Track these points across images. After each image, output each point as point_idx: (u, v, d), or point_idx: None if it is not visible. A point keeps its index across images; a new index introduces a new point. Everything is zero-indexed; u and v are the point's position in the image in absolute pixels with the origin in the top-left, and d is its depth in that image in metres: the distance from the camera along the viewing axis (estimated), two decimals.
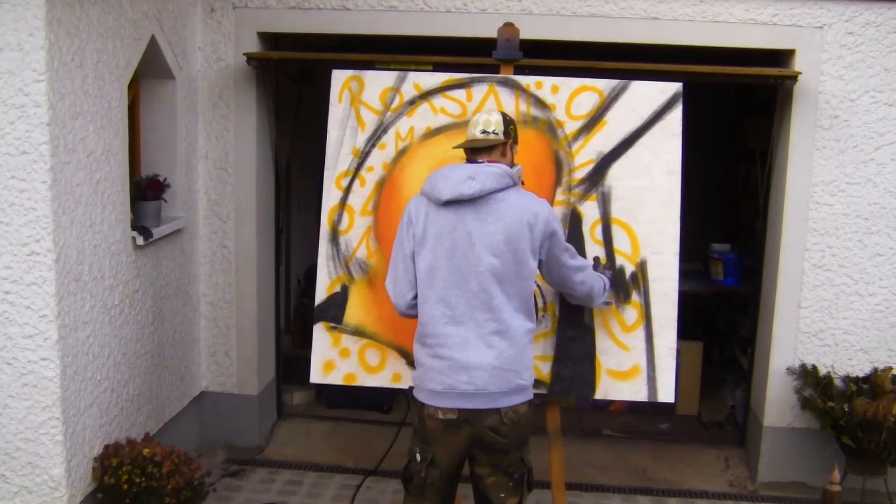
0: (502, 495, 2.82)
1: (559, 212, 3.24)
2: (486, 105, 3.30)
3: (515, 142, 2.96)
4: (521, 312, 2.79)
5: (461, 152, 2.95)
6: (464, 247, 2.76)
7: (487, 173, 2.77)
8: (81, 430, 3.24)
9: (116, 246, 3.48)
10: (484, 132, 2.87)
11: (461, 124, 3.32)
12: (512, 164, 2.92)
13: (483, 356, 2.73)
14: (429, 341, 2.80)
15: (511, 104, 3.35)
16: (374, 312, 3.28)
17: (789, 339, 4.15)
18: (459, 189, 2.75)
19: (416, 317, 2.87)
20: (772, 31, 3.99)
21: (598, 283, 3.05)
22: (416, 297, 2.83)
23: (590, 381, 3.22)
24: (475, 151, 2.89)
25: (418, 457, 2.82)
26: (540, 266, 2.89)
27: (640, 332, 3.23)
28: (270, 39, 4.36)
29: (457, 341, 2.74)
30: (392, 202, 3.32)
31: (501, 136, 2.87)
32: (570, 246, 2.95)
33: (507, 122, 2.92)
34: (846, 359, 4.12)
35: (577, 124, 3.33)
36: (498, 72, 3.42)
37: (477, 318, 2.75)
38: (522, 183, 2.95)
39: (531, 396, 2.83)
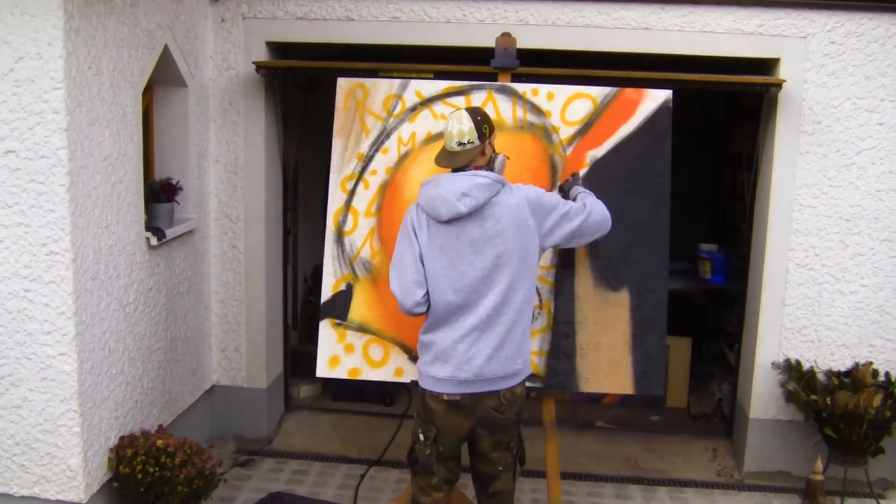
0: (500, 468, 2.94)
1: None
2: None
3: (491, 133, 2.88)
4: (522, 309, 2.86)
5: None
6: (467, 253, 2.81)
7: (479, 186, 2.78)
8: (98, 421, 3.29)
9: (131, 246, 3.53)
10: (460, 144, 2.83)
11: None
12: (494, 156, 2.91)
13: (482, 347, 2.81)
14: (433, 330, 2.87)
15: (508, 111, 3.39)
16: (378, 309, 3.33)
17: (774, 335, 4.18)
18: (457, 208, 2.77)
19: (421, 315, 2.92)
20: (758, 40, 4.00)
21: (597, 206, 3.00)
22: (425, 295, 2.85)
23: (584, 375, 3.27)
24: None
25: (422, 437, 2.89)
26: (551, 240, 2.91)
27: (631, 328, 3.29)
28: (279, 49, 4.37)
29: (461, 334, 2.81)
30: (394, 204, 3.38)
31: (477, 142, 2.83)
32: (559, 207, 2.90)
33: (479, 123, 2.83)
34: (828, 354, 4.16)
35: (572, 130, 3.38)
36: (496, 79, 3.47)
37: (480, 314, 2.80)
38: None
39: (526, 375, 2.93)
